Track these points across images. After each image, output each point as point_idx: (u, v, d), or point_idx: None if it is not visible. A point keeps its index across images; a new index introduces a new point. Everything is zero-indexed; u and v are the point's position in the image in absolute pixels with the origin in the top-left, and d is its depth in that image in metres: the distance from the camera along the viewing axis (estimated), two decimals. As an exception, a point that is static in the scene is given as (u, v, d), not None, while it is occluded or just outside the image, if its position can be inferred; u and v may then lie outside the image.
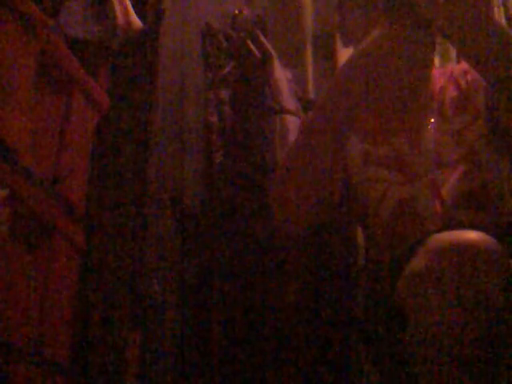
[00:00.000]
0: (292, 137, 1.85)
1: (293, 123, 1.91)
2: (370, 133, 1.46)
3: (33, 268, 1.40)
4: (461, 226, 1.21)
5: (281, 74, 2.00)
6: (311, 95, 2.20)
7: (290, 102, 1.95)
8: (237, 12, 2.12)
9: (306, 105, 2.10)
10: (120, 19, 1.74)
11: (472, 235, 1.07)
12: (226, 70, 2.05)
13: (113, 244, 1.73)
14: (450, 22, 1.17)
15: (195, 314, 1.81)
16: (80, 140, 1.60)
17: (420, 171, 1.39)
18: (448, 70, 1.52)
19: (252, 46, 2.01)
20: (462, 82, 1.46)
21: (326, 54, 2.25)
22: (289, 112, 1.92)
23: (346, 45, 1.61)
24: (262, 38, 2.04)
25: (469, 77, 1.45)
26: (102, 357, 1.63)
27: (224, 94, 2.03)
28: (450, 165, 1.39)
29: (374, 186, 1.41)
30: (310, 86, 2.22)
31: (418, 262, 1.08)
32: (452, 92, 1.46)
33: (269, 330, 1.68)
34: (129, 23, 1.76)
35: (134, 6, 1.80)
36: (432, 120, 1.44)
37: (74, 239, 1.54)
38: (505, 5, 2.48)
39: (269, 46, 2.02)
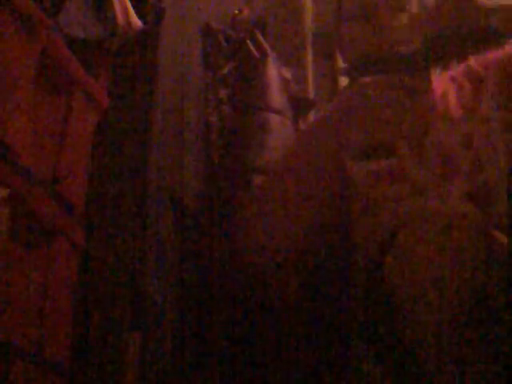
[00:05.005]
0: (273, 136, 1.85)
1: (275, 122, 1.91)
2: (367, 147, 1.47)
3: (33, 268, 1.40)
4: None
5: (273, 73, 2.00)
6: (311, 95, 2.20)
7: (276, 101, 1.95)
8: (237, 12, 2.13)
9: (305, 105, 2.10)
10: (120, 19, 1.74)
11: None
12: (226, 69, 2.05)
13: (113, 244, 1.73)
14: None
15: (195, 314, 1.81)
16: (80, 140, 1.60)
17: (426, 182, 1.40)
18: (447, 75, 1.52)
19: (251, 46, 2.02)
20: (467, 84, 1.46)
21: (326, 53, 2.26)
22: (272, 110, 1.92)
23: (344, 61, 1.63)
24: (260, 38, 2.04)
25: (474, 78, 1.45)
26: (102, 357, 1.63)
27: (223, 93, 2.03)
28: (460, 170, 1.39)
29: (384, 206, 1.42)
30: (310, 86, 2.22)
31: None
32: (456, 95, 1.46)
33: (269, 329, 1.68)
34: (129, 23, 1.76)
35: (134, 6, 1.80)
36: (438, 126, 1.45)
37: (74, 239, 1.54)
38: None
39: (266, 46, 2.02)
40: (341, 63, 2.10)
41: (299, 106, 2.05)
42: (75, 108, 1.58)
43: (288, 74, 2.07)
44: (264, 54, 2.01)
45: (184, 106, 2.05)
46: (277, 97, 1.96)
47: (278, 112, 1.93)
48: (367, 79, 1.45)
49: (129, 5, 1.78)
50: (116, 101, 1.80)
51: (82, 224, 1.58)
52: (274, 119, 1.91)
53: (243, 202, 1.68)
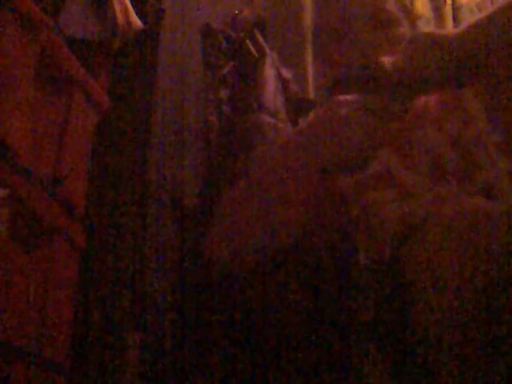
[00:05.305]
0: (264, 138, 1.85)
1: (267, 123, 1.90)
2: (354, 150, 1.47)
3: (33, 268, 1.40)
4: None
5: (270, 74, 2.00)
6: (311, 95, 2.20)
7: (270, 102, 1.95)
8: (237, 12, 2.13)
9: (305, 105, 2.10)
10: (120, 19, 1.74)
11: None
12: (226, 69, 2.05)
13: (113, 244, 1.73)
14: None
15: (195, 314, 1.81)
16: (80, 140, 1.60)
17: (415, 188, 1.39)
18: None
19: (250, 46, 2.02)
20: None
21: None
22: (265, 111, 1.92)
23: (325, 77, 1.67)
24: (260, 38, 2.04)
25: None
26: (102, 357, 1.63)
27: (223, 93, 2.03)
28: (452, 172, 1.39)
29: (373, 211, 1.41)
30: (310, 86, 2.22)
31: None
32: (436, 99, 1.46)
33: (269, 329, 1.68)
34: (129, 23, 1.76)
35: (134, 6, 1.80)
36: (424, 130, 1.44)
37: (74, 239, 1.53)
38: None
39: (264, 45, 2.02)
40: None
41: (299, 106, 2.05)
42: (75, 108, 1.58)
43: (288, 74, 2.07)
44: (262, 54, 2.01)
45: (184, 106, 2.05)
46: (271, 98, 1.96)
47: (270, 113, 1.93)
48: (340, 98, 1.46)
49: (129, 5, 1.78)
50: (116, 101, 1.80)
51: (82, 224, 1.58)
52: (266, 120, 1.91)
53: (238, 202, 1.68)
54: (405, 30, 1.61)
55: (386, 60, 1.46)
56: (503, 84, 1.39)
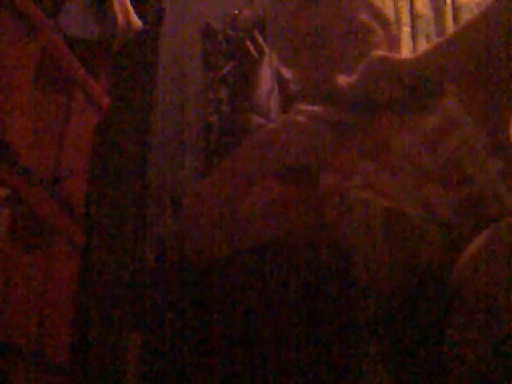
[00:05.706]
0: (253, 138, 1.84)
1: (258, 125, 1.90)
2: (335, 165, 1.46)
3: (33, 268, 1.40)
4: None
5: (266, 73, 2.00)
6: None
7: (264, 102, 1.95)
8: (237, 12, 2.13)
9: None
10: (120, 19, 1.74)
11: None
12: (226, 70, 2.05)
13: (113, 244, 1.73)
14: None
15: (195, 314, 1.81)
16: (80, 140, 1.61)
17: (399, 196, 1.39)
18: None
19: (250, 46, 2.02)
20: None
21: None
22: (258, 112, 1.92)
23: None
24: (259, 38, 2.04)
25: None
26: (102, 357, 1.63)
27: (223, 93, 2.03)
28: (430, 175, 1.38)
29: (359, 205, 1.40)
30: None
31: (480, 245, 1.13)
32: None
33: (269, 329, 1.68)
34: (129, 23, 1.76)
35: (134, 6, 1.80)
36: (401, 138, 1.44)
37: (74, 239, 1.54)
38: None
39: (263, 45, 2.02)
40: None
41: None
42: (75, 108, 1.58)
43: (288, 74, 2.07)
44: (261, 54, 2.01)
45: (184, 106, 2.05)
46: (264, 98, 1.96)
47: (263, 114, 1.93)
48: (302, 106, 1.46)
49: (129, 5, 1.78)
50: (116, 101, 1.80)
51: (82, 224, 1.58)
52: (257, 121, 1.91)
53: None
54: (378, 38, 1.60)
55: (342, 79, 1.46)
56: (487, 89, 1.39)
